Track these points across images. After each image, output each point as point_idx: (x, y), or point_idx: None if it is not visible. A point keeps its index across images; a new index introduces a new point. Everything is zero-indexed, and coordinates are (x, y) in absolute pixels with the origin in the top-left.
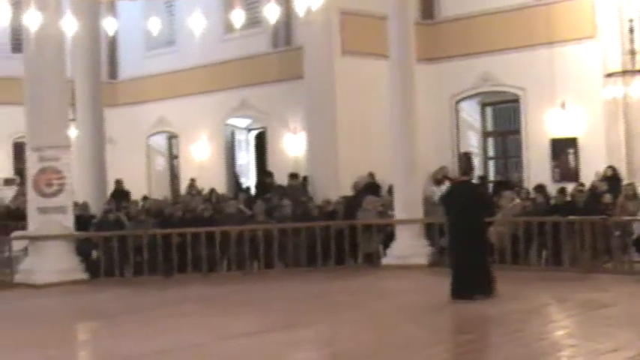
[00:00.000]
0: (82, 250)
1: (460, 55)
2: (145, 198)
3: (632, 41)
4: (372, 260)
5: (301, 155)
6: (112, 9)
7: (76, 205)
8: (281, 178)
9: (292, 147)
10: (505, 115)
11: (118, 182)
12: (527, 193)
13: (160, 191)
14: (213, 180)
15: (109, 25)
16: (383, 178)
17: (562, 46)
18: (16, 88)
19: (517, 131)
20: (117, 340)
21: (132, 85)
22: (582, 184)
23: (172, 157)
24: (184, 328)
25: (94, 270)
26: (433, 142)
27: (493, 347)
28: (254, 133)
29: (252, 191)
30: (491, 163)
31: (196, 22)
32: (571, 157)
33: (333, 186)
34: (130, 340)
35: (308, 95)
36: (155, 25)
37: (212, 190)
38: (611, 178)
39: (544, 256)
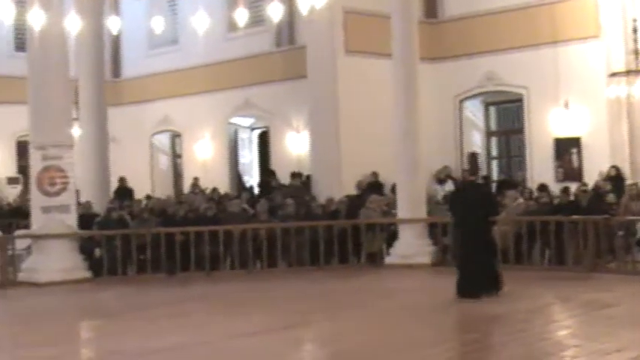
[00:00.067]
0: (85, 248)
1: (464, 54)
2: (148, 197)
3: (635, 41)
4: (376, 259)
5: (304, 154)
6: (116, 8)
7: (79, 203)
8: (284, 177)
9: (295, 146)
10: (509, 115)
11: (122, 180)
12: (531, 192)
13: (164, 190)
14: (217, 179)
15: (112, 23)
16: (386, 177)
17: (566, 45)
18: (20, 86)
19: (520, 131)
20: (120, 338)
21: (135, 83)
22: (586, 184)
23: (176, 155)
24: (188, 327)
25: (97, 268)
26: (436, 142)
27: (496, 346)
28: (257, 132)
29: (255, 190)
30: (494, 163)
31: (200, 21)
32: (574, 157)
33: (337, 185)
34: (133, 338)
35: (311, 94)
36: (158, 24)
37: (214, 190)
38: (615, 178)
39: (547, 255)
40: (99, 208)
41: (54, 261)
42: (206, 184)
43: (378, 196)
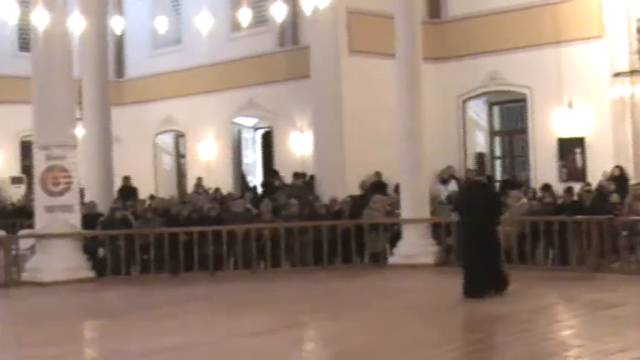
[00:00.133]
0: (89, 248)
1: (467, 54)
2: (151, 197)
3: (639, 41)
4: (379, 259)
5: (308, 154)
6: (119, 8)
7: (83, 203)
8: (288, 177)
9: (299, 146)
10: (512, 115)
11: (126, 178)
12: (534, 192)
13: (167, 190)
14: (220, 179)
15: (116, 23)
16: (390, 177)
17: (569, 45)
18: (24, 86)
19: (524, 130)
20: (123, 338)
21: (139, 83)
22: (589, 184)
23: (179, 155)
24: (191, 326)
25: (100, 268)
26: (440, 141)
27: (500, 346)
28: (261, 131)
29: (259, 190)
30: (498, 163)
31: (203, 21)
32: (578, 157)
33: (340, 185)
34: (137, 338)
35: (315, 94)
36: (162, 24)
37: (216, 189)
38: (619, 178)
39: (551, 255)
40: (103, 207)
41: (57, 261)
42: (210, 184)
43: (381, 196)
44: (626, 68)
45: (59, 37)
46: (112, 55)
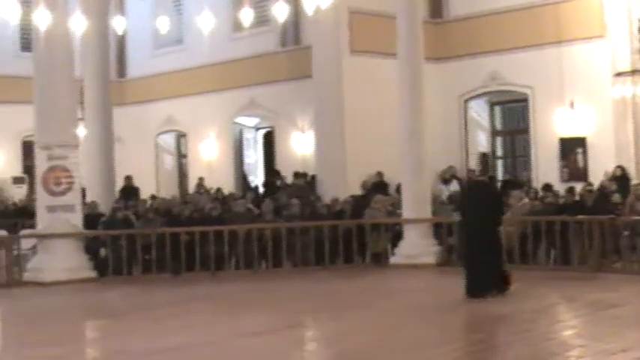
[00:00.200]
0: (91, 248)
1: (468, 54)
2: (153, 197)
3: None
4: (380, 259)
5: (309, 154)
6: (121, 8)
7: (84, 203)
8: (289, 178)
9: (300, 146)
10: (514, 115)
11: (128, 178)
12: (536, 192)
13: (169, 190)
14: (222, 179)
15: (117, 23)
16: (391, 177)
17: (571, 45)
18: (26, 86)
19: (526, 130)
20: (125, 338)
21: (140, 83)
22: (591, 184)
23: (181, 155)
24: (193, 326)
25: (102, 268)
26: (441, 141)
27: (502, 347)
28: (262, 131)
29: (260, 190)
30: (499, 163)
31: (205, 21)
32: (580, 157)
33: (342, 185)
34: (138, 338)
35: (316, 94)
36: (164, 24)
37: (218, 189)
38: (620, 178)
39: (552, 255)
40: (104, 207)
41: (59, 261)
42: (211, 184)
43: (383, 196)
44: (627, 68)
45: (61, 37)
46: (114, 55)
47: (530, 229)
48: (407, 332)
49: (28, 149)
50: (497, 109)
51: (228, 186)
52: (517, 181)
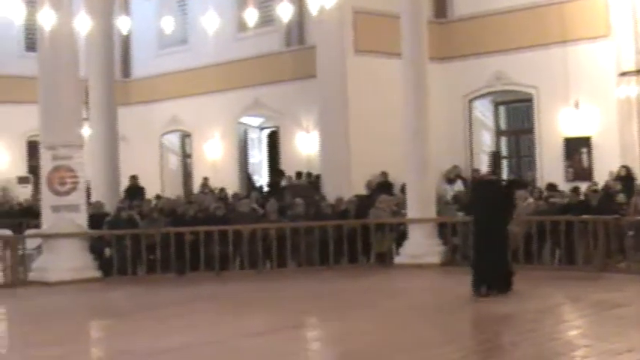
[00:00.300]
0: (95, 248)
1: (473, 54)
2: (158, 197)
3: None
4: (385, 259)
5: (314, 154)
6: (126, 8)
7: (89, 203)
8: (294, 178)
9: (305, 146)
10: (518, 114)
11: (134, 178)
12: (541, 192)
13: (173, 190)
14: (226, 179)
15: (122, 23)
16: (396, 177)
17: (575, 45)
18: (30, 86)
19: (530, 130)
20: (130, 338)
21: (145, 83)
22: (596, 184)
23: (185, 155)
24: (197, 326)
25: (107, 268)
26: (446, 141)
27: (507, 346)
28: (267, 131)
29: (265, 190)
30: (504, 163)
31: (209, 21)
32: (584, 157)
33: (346, 185)
34: (143, 337)
35: (321, 94)
36: (168, 24)
37: (221, 189)
38: (625, 178)
39: (557, 255)
40: (109, 207)
41: (64, 260)
42: (216, 183)
43: (387, 196)
44: (632, 68)
45: (65, 37)
46: (119, 55)
47: (534, 229)
48: (411, 332)
49: (33, 149)
50: (502, 108)
51: (232, 186)
52: (522, 181)
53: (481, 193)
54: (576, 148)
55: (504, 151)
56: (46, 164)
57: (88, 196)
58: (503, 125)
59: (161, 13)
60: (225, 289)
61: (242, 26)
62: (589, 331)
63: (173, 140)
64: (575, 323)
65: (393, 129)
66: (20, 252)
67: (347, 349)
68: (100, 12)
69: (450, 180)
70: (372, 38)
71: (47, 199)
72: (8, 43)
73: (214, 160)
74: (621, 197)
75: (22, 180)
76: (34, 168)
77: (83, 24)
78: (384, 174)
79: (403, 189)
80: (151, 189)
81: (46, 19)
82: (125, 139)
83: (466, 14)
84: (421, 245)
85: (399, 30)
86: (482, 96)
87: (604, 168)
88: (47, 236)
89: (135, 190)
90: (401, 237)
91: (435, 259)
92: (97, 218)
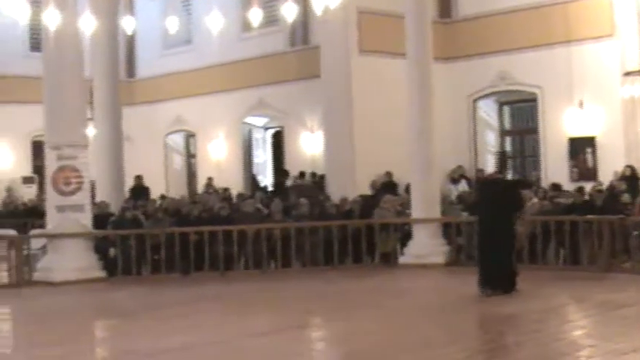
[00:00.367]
0: (100, 248)
1: (477, 53)
2: (162, 197)
3: None
4: (389, 259)
5: (318, 154)
6: (130, 8)
7: (94, 203)
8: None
9: (309, 146)
10: (523, 114)
11: (138, 177)
12: (545, 192)
13: (178, 190)
14: (231, 179)
15: (127, 23)
16: (400, 177)
17: (580, 44)
18: (35, 86)
19: (535, 130)
20: (134, 338)
21: (150, 83)
22: (600, 184)
23: (190, 155)
24: (201, 326)
25: (111, 268)
26: (450, 141)
27: (511, 347)
28: (271, 131)
29: (270, 190)
30: (508, 163)
31: (214, 21)
32: (589, 157)
33: (350, 185)
34: (147, 337)
35: (325, 94)
36: (173, 24)
37: (225, 189)
38: (630, 178)
39: (562, 255)
40: (114, 207)
41: (69, 260)
42: (220, 183)
43: (392, 196)
44: (636, 67)
45: (70, 37)
46: (123, 55)
47: (539, 228)
48: (416, 332)
49: (37, 149)
50: (506, 108)
51: (237, 186)
52: (526, 180)
53: (486, 192)
54: (581, 147)
55: (509, 151)
56: (50, 164)
57: (93, 196)
58: (507, 125)
59: (166, 13)
60: (229, 289)
61: (246, 26)
62: (594, 331)
63: (177, 140)
64: (580, 323)
65: (398, 129)
66: (25, 252)
67: (351, 349)
68: (104, 12)
69: (455, 180)
70: (377, 38)
71: (52, 199)
72: (13, 43)
73: (219, 160)
74: (626, 197)
75: (26, 180)
76: (38, 168)
77: (88, 24)
78: (389, 174)
79: (407, 189)
80: (156, 189)
81: (51, 19)
82: (130, 139)
83: (470, 14)
84: (425, 245)
85: (404, 30)
86: (487, 96)
87: (609, 168)
88: (52, 236)
89: (139, 190)
90: (405, 237)
91: (440, 259)
92: (101, 218)
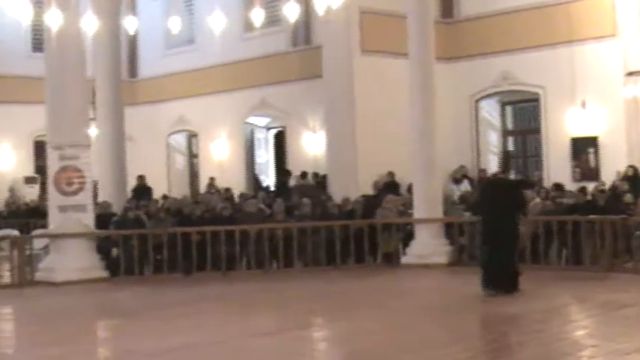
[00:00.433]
0: (102, 248)
1: (480, 53)
2: (164, 197)
3: None
4: (392, 259)
5: (320, 154)
6: (133, 8)
7: (96, 203)
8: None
9: (311, 146)
10: (525, 114)
11: (141, 177)
12: (547, 192)
13: (180, 190)
14: (233, 179)
15: (129, 23)
16: (402, 177)
17: (582, 44)
18: (37, 86)
19: (537, 130)
20: (136, 338)
21: (152, 83)
22: (603, 184)
23: (192, 155)
24: (204, 326)
25: (113, 268)
26: (453, 141)
27: (514, 347)
28: (273, 131)
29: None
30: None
31: (216, 21)
32: (591, 157)
33: (353, 185)
34: (150, 337)
35: (327, 94)
36: (175, 24)
37: (227, 189)
38: (632, 178)
39: (564, 255)
40: (116, 207)
41: (71, 260)
42: (222, 183)
43: (394, 196)
44: (639, 67)
45: (72, 37)
46: (125, 55)
47: (541, 229)
48: (418, 332)
49: (40, 149)
50: (509, 108)
51: (239, 186)
52: (529, 181)
53: (488, 192)
54: (583, 148)
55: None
56: (53, 164)
57: (95, 196)
58: (510, 125)
59: (168, 13)
60: (231, 289)
61: (249, 26)
62: (596, 332)
63: (180, 140)
64: (582, 323)
65: (400, 129)
66: (27, 252)
67: (354, 349)
68: (106, 12)
69: (457, 180)
70: (379, 38)
71: (54, 199)
72: (15, 43)
73: (221, 160)
74: (628, 197)
75: (29, 180)
76: (41, 168)
77: (90, 24)
78: (391, 174)
79: (410, 189)
80: (158, 189)
81: (53, 19)
82: (132, 139)
83: (473, 14)
84: (428, 245)
85: (406, 30)
86: (489, 96)
87: (611, 168)
88: (54, 236)
89: (142, 190)
90: (408, 237)
91: (442, 259)
92: (104, 218)
